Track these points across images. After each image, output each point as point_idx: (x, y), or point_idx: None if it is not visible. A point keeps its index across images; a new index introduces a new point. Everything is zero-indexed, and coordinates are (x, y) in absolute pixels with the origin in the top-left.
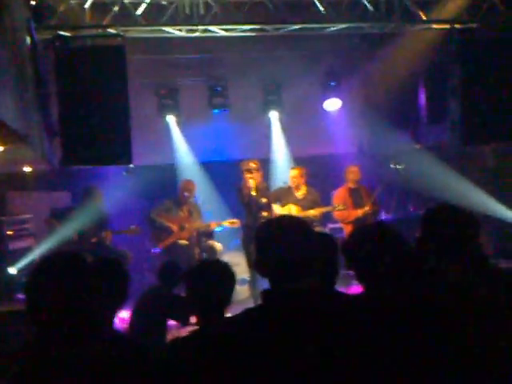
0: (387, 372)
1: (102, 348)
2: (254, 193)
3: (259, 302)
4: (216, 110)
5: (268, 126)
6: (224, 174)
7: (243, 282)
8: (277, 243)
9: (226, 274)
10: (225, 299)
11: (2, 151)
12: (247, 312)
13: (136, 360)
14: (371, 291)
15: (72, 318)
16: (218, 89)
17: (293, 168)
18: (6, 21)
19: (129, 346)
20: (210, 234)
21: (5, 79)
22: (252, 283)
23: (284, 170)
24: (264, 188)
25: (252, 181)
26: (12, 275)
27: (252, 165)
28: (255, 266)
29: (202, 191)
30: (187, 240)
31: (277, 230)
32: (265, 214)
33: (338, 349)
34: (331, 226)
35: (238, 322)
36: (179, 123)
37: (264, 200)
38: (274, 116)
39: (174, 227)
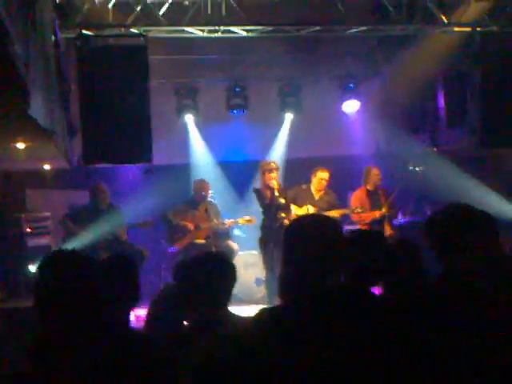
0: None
1: (115, 345)
2: (277, 193)
3: (275, 301)
4: (234, 111)
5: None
6: (241, 173)
7: (259, 282)
8: (307, 241)
9: (226, 265)
10: (225, 291)
11: (24, 149)
12: (273, 309)
13: (150, 356)
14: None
15: (81, 314)
16: (237, 89)
17: (323, 170)
18: (36, 19)
19: (142, 343)
20: (226, 234)
21: (35, 77)
22: (268, 283)
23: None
24: (282, 188)
25: (274, 181)
26: (31, 272)
27: (273, 165)
28: (283, 263)
29: (219, 191)
30: (204, 239)
31: (307, 228)
32: (283, 214)
33: (365, 346)
34: (348, 227)
35: (266, 319)
36: (197, 123)
37: (283, 200)
38: (288, 118)
39: (191, 226)
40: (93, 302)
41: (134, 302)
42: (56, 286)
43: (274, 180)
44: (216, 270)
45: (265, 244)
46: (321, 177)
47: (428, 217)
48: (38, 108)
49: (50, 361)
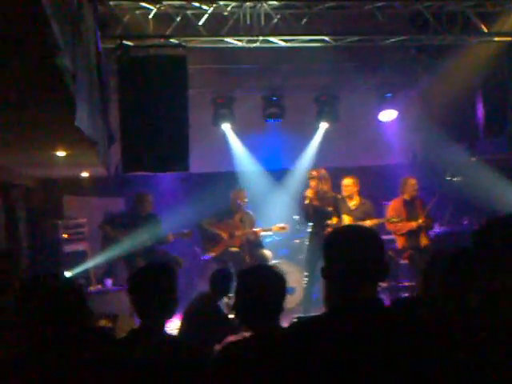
0: None
1: (152, 351)
2: (307, 201)
3: (311, 310)
4: (270, 120)
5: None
6: (276, 182)
7: (291, 291)
8: (346, 251)
9: (278, 278)
10: (278, 304)
11: (64, 156)
12: (311, 320)
13: (188, 361)
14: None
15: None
16: (274, 98)
17: (346, 177)
18: (81, 30)
19: (181, 348)
20: (259, 243)
21: (81, 88)
22: (307, 290)
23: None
24: (327, 196)
25: (309, 189)
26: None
27: (313, 173)
28: (322, 272)
29: (255, 199)
30: (238, 247)
31: (346, 238)
32: (328, 221)
33: (398, 358)
34: (384, 237)
35: (303, 329)
36: (233, 132)
37: (329, 208)
38: (322, 127)
39: (224, 234)
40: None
41: (173, 310)
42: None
43: (310, 188)
44: (271, 282)
45: (309, 250)
46: (344, 184)
47: (481, 228)
48: (83, 118)
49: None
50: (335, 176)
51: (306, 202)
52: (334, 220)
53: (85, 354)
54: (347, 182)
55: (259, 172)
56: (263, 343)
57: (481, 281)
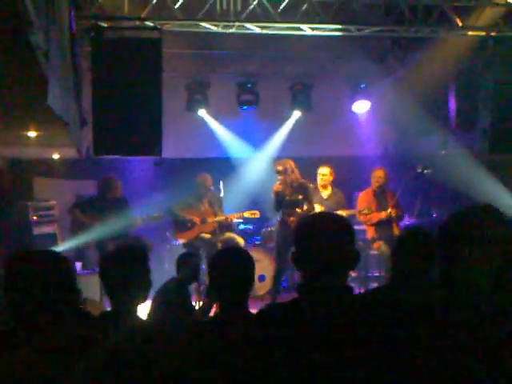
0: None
1: (124, 336)
2: (273, 194)
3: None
4: (245, 107)
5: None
6: (250, 169)
7: (262, 278)
8: (317, 239)
9: (248, 260)
10: (247, 285)
11: (34, 136)
12: (282, 305)
13: (161, 344)
14: None
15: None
16: (248, 85)
17: (323, 166)
18: (56, 8)
19: (152, 333)
20: (229, 227)
21: (54, 67)
22: (275, 278)
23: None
24: (296, 185)
25: (277, 184)
26: None
27: (277, 168)
28: (293, 259)
29: (228, 186)
30: (210, 234)
31: (318, 226)
32: (298, 209)
33: (364, 345)
34: (356, 227)
35: (271, 314)
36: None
37: (299, 196)
38: (295, 115)
39: (197, 220)
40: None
41: (144, 294)
42: (25, 284)
43: (279, 184)
44: (242, 263)
45: (278, 239)
46: (320, 172)
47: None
48: (55, 97)
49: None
50: (307, 165)
51: (273, 194)
52: (305, 207)
53: (70, 335)
54: (325, 171)
55: (230, 159)
56: (231, 328)
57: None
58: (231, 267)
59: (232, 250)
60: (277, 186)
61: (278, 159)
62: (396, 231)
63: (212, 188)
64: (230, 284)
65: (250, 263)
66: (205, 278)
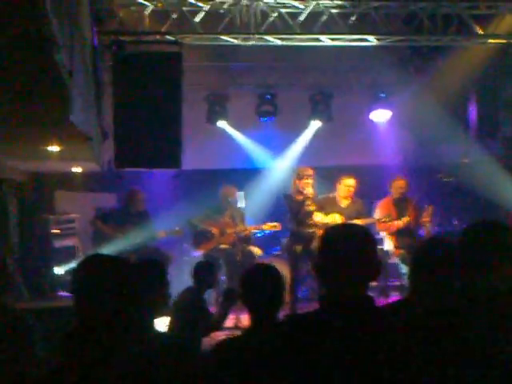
0: None
1: (142, 349)
2: (309, 201)
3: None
4: (264, 118)
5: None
6: (270, 180)
7: None
8: (341, 249)
9: (279, 277)
10: (279, 303)
11: (57, 151)
12: (304, 315)
13: (181, 358)
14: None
15: (113, 318)
16: (268, 97)
17: (349, 177)
18: (79, 25)
19: (172, 346)
20: (248, 239)
21: (76, 82)
22: (292, 288)
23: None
24: (313, 195)
25: (311, 188)
26: (56, 274)
27: (310, 171)
28: (315, 269)
29: (248, 197)
30: (229, 245)
31: (341, 236)
32: (311, 220)
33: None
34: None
35: (294, 325)
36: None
37: (312, 208)
38: (313, 125)
39: (215, 231)
40: (127, 304)
41: (163, 307)
42: (93, 288)
43: (311, 187)
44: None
45: (292, 249)
46: (347, 184)
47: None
48: (77, 113)
49: (80, 356)
50: (327, 175)
51: (308, 201)
52: (319, 218)
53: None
54: (351, 183)
55: (251, 170)
56: (257, 340)
57: (462, 280)
58: (263, 284)
59: (262, 267)
60: (308, 190)
61: (298, 168)
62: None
63: (236, 201)
64: (261, 300)
65: (280, 281)
66: (223, 287)
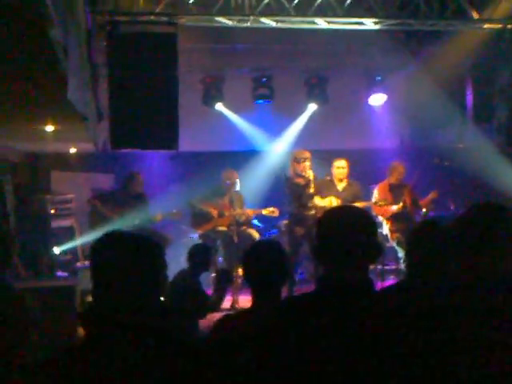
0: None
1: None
2: (311, 183)
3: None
4: (260, 101)
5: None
6: (266, 163)
7: None
8: (340, 232)
9: (283, 254)
10: (282, 278)
11: (52, 131)
12: (302, 297)
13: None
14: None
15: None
16: (263, 80)
17: (339, 159)
18: (73, 4)
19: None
20: (248, 223)
21: (72, 60)
22: (291, 270)
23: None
24: (314, 177)
25: (310, 171)
26: (54, 254)
27: (307, 154)
28: (314, 252)
29: (244, 179)
30: (227, 227)
31: (340, 219)
32: (312, 203)
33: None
34: None
35: (292, 305)
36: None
37: (312, 190)
38: (310, 108)
39: (214, 213)
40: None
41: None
42: (115, 266)
43: (310, 170)
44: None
45: (292, 232)
46: (338, 165)
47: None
48: (74, 92)
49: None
50: (323, 158)
51: (310, 184)
52: (316, 201)
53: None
54: (342, 164)
55: (246, 153)
56: (256, 319)
57: (464, 262)
58: (266, 260)
59: (265, 242)
60: (308, 172)
61: (295, 152)
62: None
63: (236, 185)
64: (264, 277)
65: (283, 256)
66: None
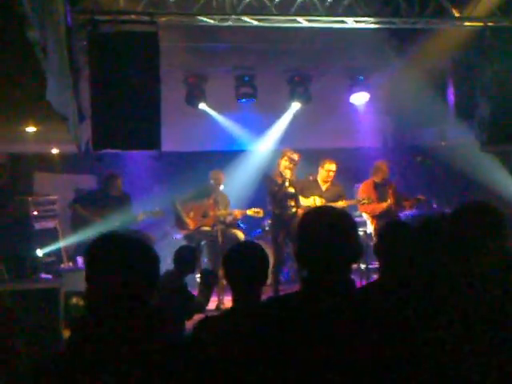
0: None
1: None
2: (287, 183)
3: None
4: (243, 100)
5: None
6: (248, 163)
7: None
8: (320, 233)
9: (263, 255)
10: (262, 279)
11: (33, 132)
12: (285, 297)
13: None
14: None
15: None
16: (246, 78)
17: (331, 162)
18: (52, 3)
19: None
20: (232, 223)
21: (51, 60)
22: (275, 270)
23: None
24: (294, 179)
25: (288, 171)
26: (37, 256)
27: (296, 156)
28: (296, 254)
29: (228, 179)
30: (211, 227)
31: (321, 220)
32: (292, 202)
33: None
34: (356, 219)
35: (275, 305)
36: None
37: (292, 190)
38: (293, 107)
39: (191, 224)
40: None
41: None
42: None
43: (289, 170)
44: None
45: (275, 232)
46: (328, 168)
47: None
48: (53, 93)
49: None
50: (307, 157)
51: (286, 183)
52: (293, 202)
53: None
54: (332, 167)
55: (229, 152)
56: (238, 320)
57: (452, 261)
58: (246, 261)
59: (247, 243)
60: (286, 172)
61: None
62: None
63: (221, 186)
64: (245, 277)
65: (264, 257)
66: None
